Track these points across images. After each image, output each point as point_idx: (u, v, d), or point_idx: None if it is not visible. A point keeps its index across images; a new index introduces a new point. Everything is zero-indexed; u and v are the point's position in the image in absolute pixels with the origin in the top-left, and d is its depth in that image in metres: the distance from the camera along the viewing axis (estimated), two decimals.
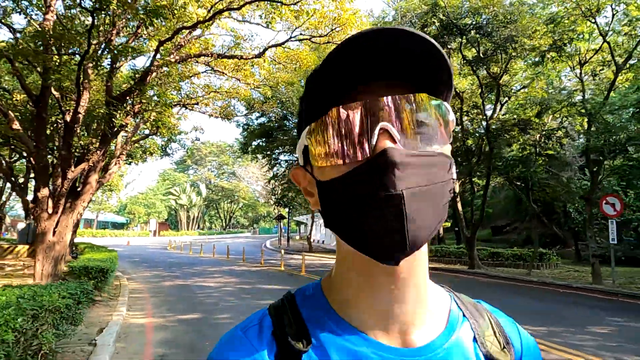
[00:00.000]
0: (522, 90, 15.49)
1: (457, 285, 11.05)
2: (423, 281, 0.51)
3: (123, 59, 9.59)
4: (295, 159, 0.57)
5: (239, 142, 23.40)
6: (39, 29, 8.46)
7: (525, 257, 16.00)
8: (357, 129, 0.44)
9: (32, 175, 18.29)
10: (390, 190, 0.41)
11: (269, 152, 22.75)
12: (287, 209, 32.22)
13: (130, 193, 60.98)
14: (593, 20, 11.50)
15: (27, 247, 19.20)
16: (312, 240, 30.91)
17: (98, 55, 8.81)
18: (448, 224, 28.78)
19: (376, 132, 0.43)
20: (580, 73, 12.72)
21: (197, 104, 13.09)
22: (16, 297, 3.45)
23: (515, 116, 13.97)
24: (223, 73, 12.52)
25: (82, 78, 8.41)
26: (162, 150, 19.89)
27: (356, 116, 0.44)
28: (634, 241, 17.34)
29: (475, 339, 0.53)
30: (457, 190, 16.53)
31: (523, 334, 0.59)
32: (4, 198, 24.39)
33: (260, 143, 21.82)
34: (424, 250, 0.49)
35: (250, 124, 20.98)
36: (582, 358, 4.82)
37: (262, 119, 20.48)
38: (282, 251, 18.40)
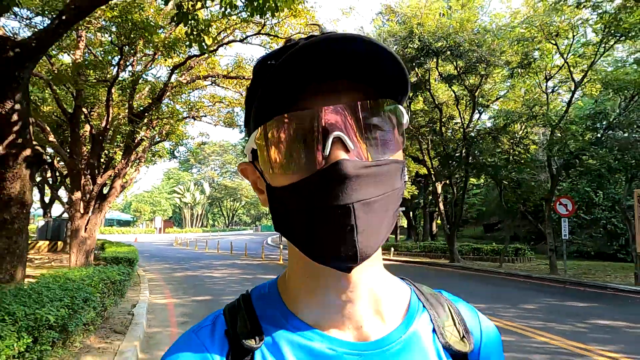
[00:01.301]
0: (498, 101, 17.03)
1: (436, 276, 12.69)
2: (376, 279, 0.51)
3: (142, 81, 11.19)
4: None
5: (241, 144, 24.97)
6: (73, 60, 10.08)
7: (501, 252, 17.58)
8: (309, 137, 0.43)
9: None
10: (341, 203, 0.41)
11: None
12: None
13: (136, 192, 62.78)
14: (554, 42, 13.02)
15: (47, 242, 20.96)
16: None
17: (122, 80, 10.43)
18: (439, 222, 30.33)
19: (329, 141, 0.41)
20: (546, 87, 14.24)
21: (205, 115, 14.73)
22: (89, 272, 5.07)
23: (489, 125, 15.54)
24: (227, 88, 14.12)
25: (110, 100, 10.04)
26: (170, 154, 21.55)
27: (307, 123, 0.43)
28: (602, 237, 18.86)
29: (434, 330, 0.53)
30: (439, 191, 18.10)
31: (483, 321, 0.59)
32: None
33: None
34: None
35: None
36: (499, 323, 6.41)
37: None
38: (281, 246, 20.04)
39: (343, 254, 0.42)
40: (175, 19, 5.96)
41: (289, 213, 0.45)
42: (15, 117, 5.25)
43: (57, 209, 28.31)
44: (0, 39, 5.01)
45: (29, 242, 20.69)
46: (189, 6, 5.91)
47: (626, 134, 11.96)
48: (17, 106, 5.27)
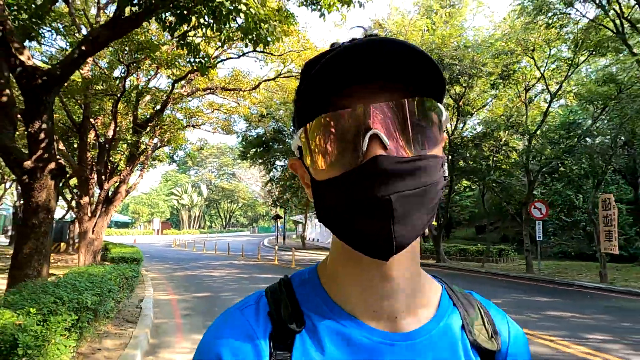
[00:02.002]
0: (484, 109, 17.97)
1: None
2: (413, 272, 0.53)
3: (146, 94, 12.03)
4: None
5: (238, 150, 25.84)
6: (82, 75, 10.90)
7: (484, 252, 18.49)
8: (348, 135, 0.46)
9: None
10: (378, 195, 0.43)
11: (265, 159, 25.26)
12: (283, 210, 34.68)
13: (134, 193, 63.45)
14: (531, 56, 13.94)
15: (51, 244, 21.67)
16: (307, 238, 33.43)
17: (128, 93, 11.26)
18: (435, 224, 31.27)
19: (367, 138, 0.44)
20: (525, 97, 15.17)
21: (204, 123, 15.59)
22: (107, 269, 5.89)
23: (479, 129, 16.47)
24: (225, 97, 14.97)
25: (117, 111, 10.87)
26: (169, 158, 22.37)
27: (347, 122, 0.46)
28: (582, 239, 19.78)
29: (463, 327, 0.55)
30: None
31: (512, 325, 0.61)
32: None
33: (258, 150, 24.31)
34: (414, 244, 0.50)
35: (249, 134, 23.50)
36: None
37: (259, 130, 23.00)
38: (276, 247, 20.86)
39: (380, 242, 0.45)
40: (178, 44, 6.82)
41: (331, 205, 0.48)
42: (42, 135, 6.08)
43: (58, 212, 29.01)
44: (31, 69, 5.85)
45: None
46: (193, 37, 6.77)
47: (597, 141, 12.90)
48: (44, 125, 6.10)
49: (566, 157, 12.34)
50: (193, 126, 15.35)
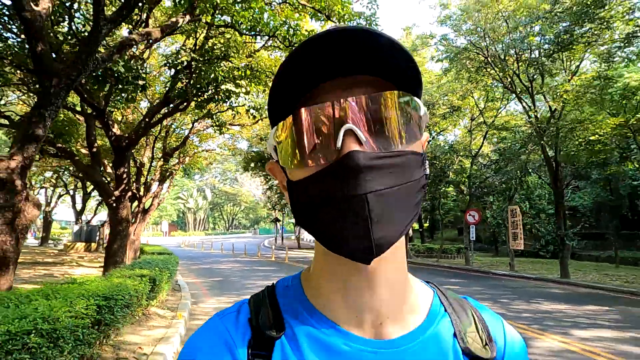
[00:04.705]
0: (443, 133, 21.84)
1: None
2: (398, 276, 0.51)
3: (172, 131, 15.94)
4: None
5: (241, 162, 29.69)
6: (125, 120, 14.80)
7: (447, 250, 22.34)
8: (322, 131, 0.44)
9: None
10: (354, 193, 0.41)
11: (265, 173, 29.14)
12: (281, 213, 38.54)
13: None
14: (472, 96, 17.80)
15: (83, 244, 25.60)
16: (303, 239, 37.33)
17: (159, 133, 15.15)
18: (416, 225, 35.10)
19: (341, 134, 0.43)
20: (470, 127, 19.00)
21: (214, 149, 19.53)
22: (164, 258, 9.74)
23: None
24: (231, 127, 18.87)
25: (154, 146, 14.76)
26: (183, 171, 26.30)
27: (321, 117, 0.44)
28: (529, 239, 23.58)
29: (455, 335, 0.53)
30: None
31: (508, 331, 0.58)
32: (51, 204, 30.95)
33: (258, 164, 28.16)
34: (398, 246, 0.49)
35: (251, 150, 27.41)
36: None
37: (259, 148, 26.86)
38: (273, 247, 24.76)
39: (359, 244, 0.43)
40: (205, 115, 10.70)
41: (307, 206, 0.46)
42: (124, 175, 9.98)
43: (86, 216, 33.04)
44: (119, 136, 9.74)
45: (69, 244, 25.27)
46: (214, 110, 10.66)
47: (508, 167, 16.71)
48: (125, 169, 10.01)
49: (491, 177, 16.16)
50: (206, 151, 19.25)
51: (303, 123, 0.45)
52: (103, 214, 38.12)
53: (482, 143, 17.88)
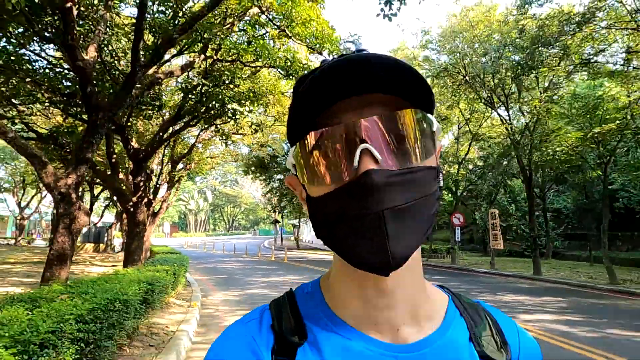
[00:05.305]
0: None
1: None
2: (414, 283, 0.53)
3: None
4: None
5: (241, 167, 31.08)
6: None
7: (437, 250, 23.66)
8: (339, 151, 0.46)
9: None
10: (371, 210, 0.43)
11: (265, 177, 30.49)
12: (281, 215, 39.88)
13: None
14: (458, 108, 19.15)
15: (92, 244, 26.91)
16: (302, 240, 38.70)
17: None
18: None
19: (357, 153, 0.44)
20: (457, 135, 20.32)
21: (219, 156, 20.86)
22: (178, 256, 11.05)
23: None
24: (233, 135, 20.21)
25: (164, 155, 16.09)
26: (187, 176, 27.63)
27: (338, 137, 0.46)
28: (516, 239, 24.91)
29: (471, 339, 0.55)
30: None
31: (522, 334, 0.60)
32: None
33: (258, 169, 29.50)
34: (414, 256, 0.50)
35: (252, 155, 28.77)
36: None
37: (259, 154, 28.22)
38: (273, 247, 26.07)
39: (376, 259, 0.44)
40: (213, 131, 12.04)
41: (326, 221, 0.49)
42: (141, 184, 11.29)
43: (92, 218, 34.28)
44: (137, 149, 11.06)
45: (79, 245, 26.56)
46: (221, 126, 12.01)
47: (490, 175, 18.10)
48: (142, 178, 11.32)
49: (475, 183, 17.50)
50: (211, 157, 20.59)
51: (321, 143, 0.47)
52: (109, 217, 39.42)
53: (468, 150, 19.22)
